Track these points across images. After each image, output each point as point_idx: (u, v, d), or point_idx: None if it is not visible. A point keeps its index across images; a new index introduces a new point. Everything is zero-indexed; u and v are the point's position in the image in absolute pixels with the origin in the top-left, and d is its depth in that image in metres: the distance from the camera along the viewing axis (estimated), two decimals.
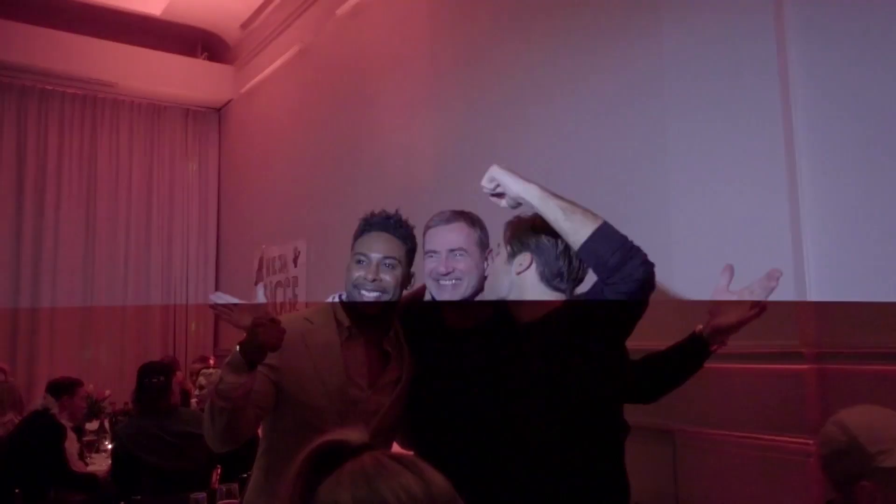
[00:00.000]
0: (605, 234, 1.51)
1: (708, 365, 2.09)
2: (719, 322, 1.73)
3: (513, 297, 1.66)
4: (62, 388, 4.15)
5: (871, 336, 2.14)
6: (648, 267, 1.50)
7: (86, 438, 4.52)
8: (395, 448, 1.92)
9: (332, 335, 1.76)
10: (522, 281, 1.64)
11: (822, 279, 2.28)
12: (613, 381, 1.58)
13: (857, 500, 1.41)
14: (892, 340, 2.09)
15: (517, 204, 1.63)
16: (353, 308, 1.78)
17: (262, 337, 1.53)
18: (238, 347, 1.55)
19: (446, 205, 1.77)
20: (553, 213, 1.56)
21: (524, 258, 1.64)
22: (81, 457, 4.18)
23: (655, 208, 2.74)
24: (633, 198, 2.85)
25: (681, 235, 2.62)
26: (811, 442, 2.15)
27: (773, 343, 2.29)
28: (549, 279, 1.64)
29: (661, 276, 1.55)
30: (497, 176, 1.64)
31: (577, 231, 1.52)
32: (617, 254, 1.48)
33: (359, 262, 1.77)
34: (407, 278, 1.81)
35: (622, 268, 1.48)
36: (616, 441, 1.61)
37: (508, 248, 1.67)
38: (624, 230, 1.52)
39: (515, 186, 1.60)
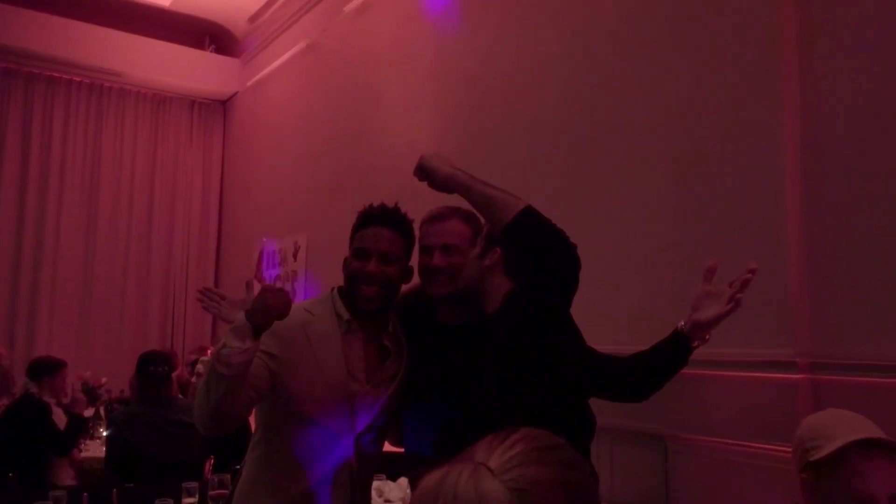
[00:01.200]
0: (527, 217, 1.55)
1: (701, 372, 2.10)
2: (698, 317, 1.75)
3: (483, 286, 1.70)
4: (44, 370, 4.15)
5: (865, 348, 2.14)
6: (570, 247, 1.55)
7: None
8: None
9: (333, 327, 1.75)
10: (490, 272, 1.69)
11: (817, 289, 2.29)
12: (560, 367, 1.60)
13: (803, 492, 1.51)
14: (886, 353, 2.10)
15: (450, 189, 1.70)
16: (351, 302, 1.76)
17: (270, 300, 1.52)
18: (244, 313, 1.53)
19: (447, 200, 1.78)
20: (476, 198, 1.64)
21: (494, 252, 1.68)
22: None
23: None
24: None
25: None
26: None
27: (767, 352, 2.30)
28: (512, 274, 1.67)
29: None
30: (425, 165, 1.72)
31: (499, 214, 1.57)
32: (539, 236, 1.53)
33: (358, 255, 1.75)
34: (406, 272, 1.80)
35: (545, 249, 1.52)
36: (579, 436, 1.62)
37: (483, 241, 1.71)
38: None
39: (441, 174, 1.69)
